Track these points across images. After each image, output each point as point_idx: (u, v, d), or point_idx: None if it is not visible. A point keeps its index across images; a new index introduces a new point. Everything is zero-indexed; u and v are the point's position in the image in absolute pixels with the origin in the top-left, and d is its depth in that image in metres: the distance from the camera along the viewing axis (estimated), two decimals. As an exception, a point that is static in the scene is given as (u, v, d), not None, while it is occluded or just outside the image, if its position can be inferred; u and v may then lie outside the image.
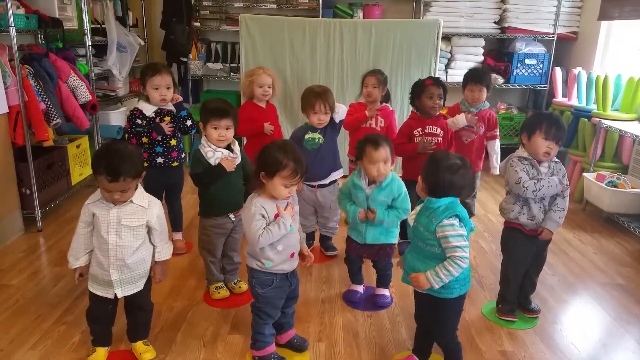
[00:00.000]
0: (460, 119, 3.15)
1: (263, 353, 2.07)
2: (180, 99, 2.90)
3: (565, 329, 2.43)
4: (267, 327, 2.07)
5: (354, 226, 2.50)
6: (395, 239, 2.51)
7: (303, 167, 1.91)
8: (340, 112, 2.85)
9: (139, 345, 2.11)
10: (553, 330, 2.41)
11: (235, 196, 2.48)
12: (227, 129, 2.39)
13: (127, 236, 1.90)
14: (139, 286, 2.01)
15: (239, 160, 2.45)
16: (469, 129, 3.20)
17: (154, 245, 2.01)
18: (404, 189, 2.42)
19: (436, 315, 1.92)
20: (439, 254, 1.81)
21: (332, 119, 2.82)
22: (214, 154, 2.40)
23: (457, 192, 1.83)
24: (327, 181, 2.92)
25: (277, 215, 1.93)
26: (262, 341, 2.07)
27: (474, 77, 3.20)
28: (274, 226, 1.90)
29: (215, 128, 2.37)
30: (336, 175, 2.94)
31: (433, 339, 2.05)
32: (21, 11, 3.31)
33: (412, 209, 3.06)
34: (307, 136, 2.82)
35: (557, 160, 2.32)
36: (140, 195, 1.94)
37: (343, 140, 3.65)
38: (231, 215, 2.49)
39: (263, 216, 1.91)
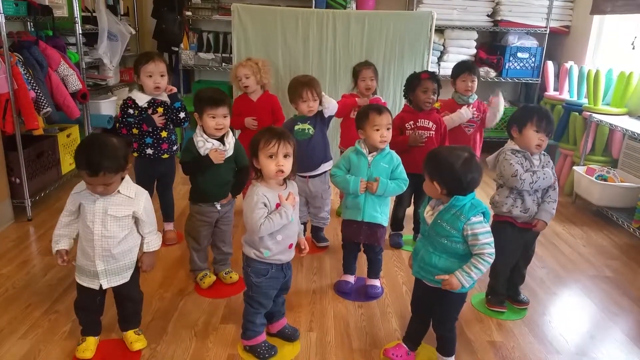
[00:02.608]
0: (465, 113, 3.14)
1: (253, 342, 2.08)
2: (175, 89, 2.88)
3: (553, 320, 2.46)
4: (258, 316, 2.07)
5: (352, 203, 2.48)
6: (386, 222, 2.52)
7: (278, 134, 1.90)
8: (331, 107, 2.83)
9: (130, 335, 2.11)
10: (542, 322, 2.44)
11: (221, 188, 2.48)
12: (224, 117, 2.38)
13: (113, 226, 1.89)
14: (125, 277, 1.99)
15: (229, 153, 2.44)
16: (470, 120, 3.20)
17: (142, 236, 2.00)
18: (400, 160, 2.46)
19: (441, 307, 1.94)
20: (462, 249, 1.82)
21: (322, 113, 2.82)
22: (204, 144, 2.39)
23: (478, 184, 1.84)
24: (317, 172, 2.92)
25: (278, 205, 1.93)
26: (252, 330, 2.07)
27: (467, 67, 3.20)
28: (275, 215, 1.90)
29: (213, 117, 2.35)
30: (326, 167, 2.93)
31: (428, 328, 2.06)
32: (10, -3, 3.27)
33: (406, 201, 3.12)
34: (297, 127, 2.81)
35: (545, 152, 2.35)
36: (127, 185, 1.91)
37: (335, 133, 3.66)
38: (217, 205, 2.49)
39: (265, 205, 1.90)
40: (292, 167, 1.95)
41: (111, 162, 1.78)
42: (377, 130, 2.37)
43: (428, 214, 1.90)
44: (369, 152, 2.44)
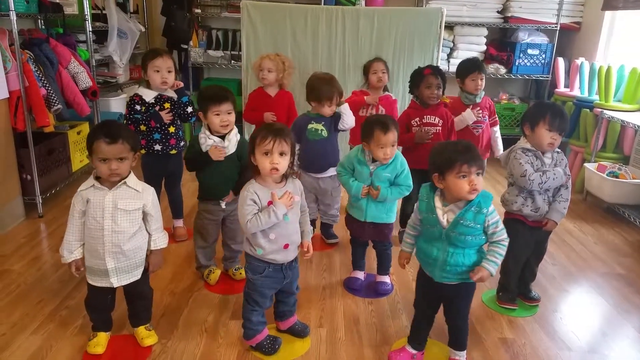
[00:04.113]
0: (469, 116, 3.12)
1: (254, 342, 2.07)
2: (182, 84, 2.89)
3: (565, 317, 2.44)
4: (254, 314, 2.05)
5: (355, 203, 2.48)
6: (393, 219, 2.51)
7: (275, 131, 1.88)
8: (347, 123, 2.83)
9: (141, 330, 2.12)
10: (553, 319, 2.42)
11: (224, 185, 2.46)
12: (228, 113, 2.37)
13: (123, 221, 1.89)
14: (135, 275, 2.00)
15: (230, 150, 2.41)
16: (476, 121, 3.18)
17: (149, 234, 2.01)
18: (407, 165, 2.42)
19: (462, 301, 1.95)
20: (479, 241, 1.85)
21: (337, 121, 2.81)
22: (205, 141, 2.39)
23: None
24: (324, 175, 2.91)
25: (270, 203, 1.91)
26: (250, 329, 2.06)
27: (475, 65, 3.16)
28: (264, 213, 1.88)
29: (217, 114, 2.35)
30: (333, 171, 2.91)
31: (432, 325, 2.06)
32: (21, -5, 3.29)
33: (415, 197, 3.10)
34: (310, 126, 2.80)
35: (558, 150, 2.32)
36: (134, 180, 1.94)
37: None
38: (222, 203, 2.48)
39: (254, 202, 1.90)
40: (290, 165, 1.94)
41: (127, 134, 1.87)
42: (382, 148, 2.32)
43: (443, 217, 1.84)
44: (372, 161, 2.40)
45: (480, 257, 1.87)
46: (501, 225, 1.84)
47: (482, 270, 1.82)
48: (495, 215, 1.83)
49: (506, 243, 1.86)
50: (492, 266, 1.83)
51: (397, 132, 2.34)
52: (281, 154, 1.89)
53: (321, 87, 2.74)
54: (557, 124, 2.18)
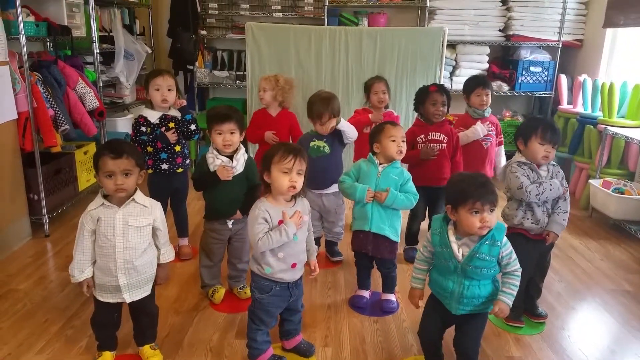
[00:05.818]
0: (480, 129, 3.15)
1: None
2: (185, 103, 2.93)
3: (572, 334, 2.41)
4: (259, 333, 2.05)
5: (360, 213, 2.48)
6: (397, 237, 2.49)
7: (295, 150, 1.91)
8: (351, 135, 2.83)
9: (146, 350, 2.11)
10: (560, 336, 2.40)
11: (230, 205, 2.47)
12: (231, 133, 2.38)
13: (134, 237, 1.91)
14: (146, 290, 2.01)
15: (238, 170, 2.42)
16: (486, 134, 3.20)
17: (158, 249, 2.03)
18: (410, 175, 2.46)
19: (475, 329, 1.93)
20: (494, 272, 1.86)
21: (340, 134, 2.82)
22: (213, 161, 2.41)
23: None
24: (327, 191, 2.92)
25: (281, 222, 1.92)
26: (255, 348, 2.05)
27: (479, 82, 3.21)
28: (275, 232, 1.89)
29: (219, 133, 2.37)
30: (336, 188, 2.92)
31: (441, 346, 2.05)
32: (31, 19, 3.35)
33: (421, 215, 3.11)
34: (312, 143, 2.83)
35: (554, 163, 2.35)
36: (142, 196, 1.97)
37: (349, 148, 3.66)
38: (229, 223, 2.49)
39: (266, 220, 1.91)
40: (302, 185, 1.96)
41: (132, 150, 1.91)
42: (393, 141, 2.38)
43: (459, 251, 1.83)
44: (381, 164, 2.44)
45: (495, 287, 1.88)
46: (514, 256, 1.86)
47: (499, 303, 1.84)
48: (509, 246, 1.85)
49: (519, 273, 1.86)
50: (509, 298, 1.85)
51: (403, 132, 2.43)
52: (299, 172, 1.92)
53: (314, 105, 2.78)
54: (549, 137, 2.22)
